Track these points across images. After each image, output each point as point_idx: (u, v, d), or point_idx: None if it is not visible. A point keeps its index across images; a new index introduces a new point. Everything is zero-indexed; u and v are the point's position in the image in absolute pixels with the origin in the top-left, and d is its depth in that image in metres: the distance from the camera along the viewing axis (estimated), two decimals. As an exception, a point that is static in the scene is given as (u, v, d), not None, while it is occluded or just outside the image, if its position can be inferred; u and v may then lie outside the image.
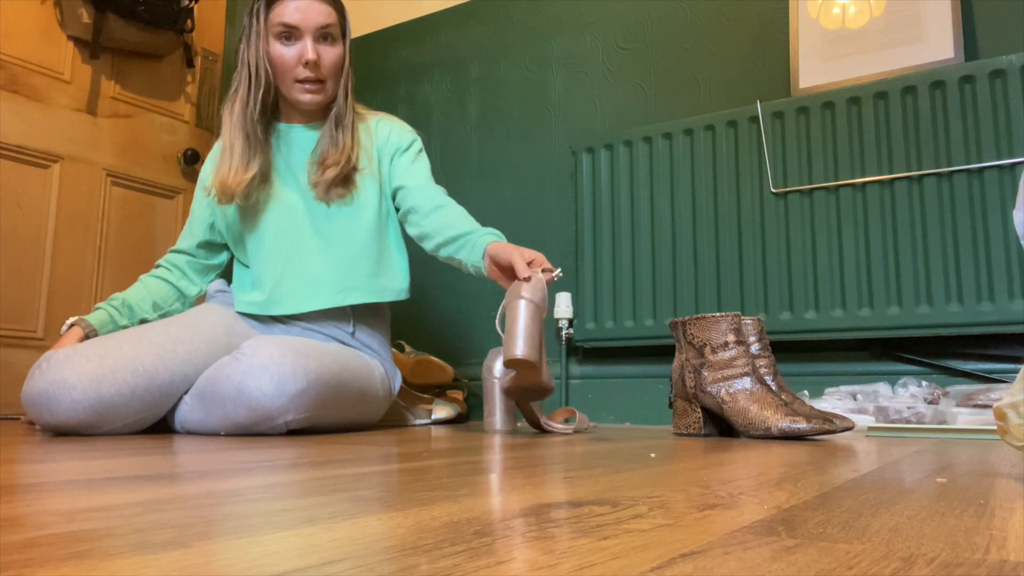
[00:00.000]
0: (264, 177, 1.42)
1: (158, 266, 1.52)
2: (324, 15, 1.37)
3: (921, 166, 1.49)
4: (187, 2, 2.35)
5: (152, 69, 2.41)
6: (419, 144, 1.54)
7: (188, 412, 1.24)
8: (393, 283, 1.48)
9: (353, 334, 1.47)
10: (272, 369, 1.17)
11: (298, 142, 1.46)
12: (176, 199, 2.46)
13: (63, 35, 2.19)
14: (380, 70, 2.36)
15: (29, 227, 2.08)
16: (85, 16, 2.18)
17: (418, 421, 1.72)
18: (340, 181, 1.41)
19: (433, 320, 2.14)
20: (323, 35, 1.38)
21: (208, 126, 2.58)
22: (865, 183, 1.54)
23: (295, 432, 1.24)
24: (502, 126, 2.13)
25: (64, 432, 1.16)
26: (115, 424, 1.17)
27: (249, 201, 1.42)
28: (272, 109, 1.46)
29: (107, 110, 2.28)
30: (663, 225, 1.75)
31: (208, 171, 1.50)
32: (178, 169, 2.47)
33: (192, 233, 1.52)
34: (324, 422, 1.27)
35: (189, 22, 2.39)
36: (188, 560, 0.28)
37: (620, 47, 1.97)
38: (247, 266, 1.49)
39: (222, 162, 1.39)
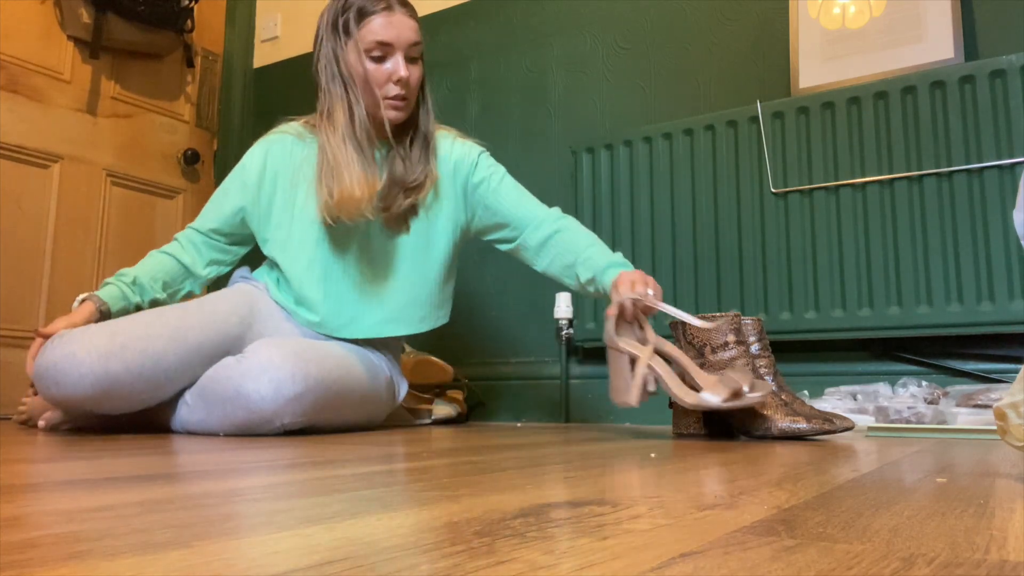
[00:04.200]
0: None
1: (175, 239, 1.45)
2: (414, 32, 1.34)
3: (921, 166, 1.49)
4: (187, 2, 2.35)
5: (152, 69, 2.41)
6: (487, 159, 1.46)
7: (188, 413, 1.24)
8: (447, 309, 1.50)
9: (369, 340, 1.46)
10: (271, 372, 1.17)
11: None
12: (176, 199, 2.46)
13: (63, 35, 2.19)
14: (380, 70, 2.36)
15: (29, 227, 2.08)
16: (85, 16, 2.18)
17: (418, 421, 1.72)
18: (412, 208, 1.39)
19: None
20: (411, 55, 1.34)
21: (208, 126, 2.57)
22: (865, 183, 1.54)
23: (295, 432, 1.24)
24: (502, 126, 2.12)
25: (69, 408, 1.17)
26: (118, 402, 1.17)
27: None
28: None
29: (107, 110, 2.28)
30: (663, 225, 1.75)
31: (249, 176, 1.42)
32: (178, 169, 2.47)
33: (216, 218, 1.44)
34: (323, 425, 1.27)
35: (189, 22, 2.39)
36: (188, 560, 0.28)
37: (620, 47, 1.97)
38: (287, 275, 1.41)
39: (336, 178, 1.31)
